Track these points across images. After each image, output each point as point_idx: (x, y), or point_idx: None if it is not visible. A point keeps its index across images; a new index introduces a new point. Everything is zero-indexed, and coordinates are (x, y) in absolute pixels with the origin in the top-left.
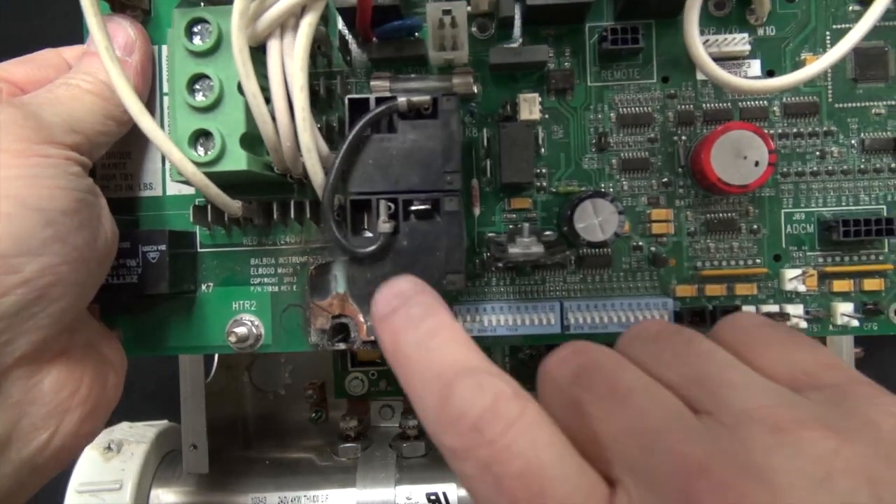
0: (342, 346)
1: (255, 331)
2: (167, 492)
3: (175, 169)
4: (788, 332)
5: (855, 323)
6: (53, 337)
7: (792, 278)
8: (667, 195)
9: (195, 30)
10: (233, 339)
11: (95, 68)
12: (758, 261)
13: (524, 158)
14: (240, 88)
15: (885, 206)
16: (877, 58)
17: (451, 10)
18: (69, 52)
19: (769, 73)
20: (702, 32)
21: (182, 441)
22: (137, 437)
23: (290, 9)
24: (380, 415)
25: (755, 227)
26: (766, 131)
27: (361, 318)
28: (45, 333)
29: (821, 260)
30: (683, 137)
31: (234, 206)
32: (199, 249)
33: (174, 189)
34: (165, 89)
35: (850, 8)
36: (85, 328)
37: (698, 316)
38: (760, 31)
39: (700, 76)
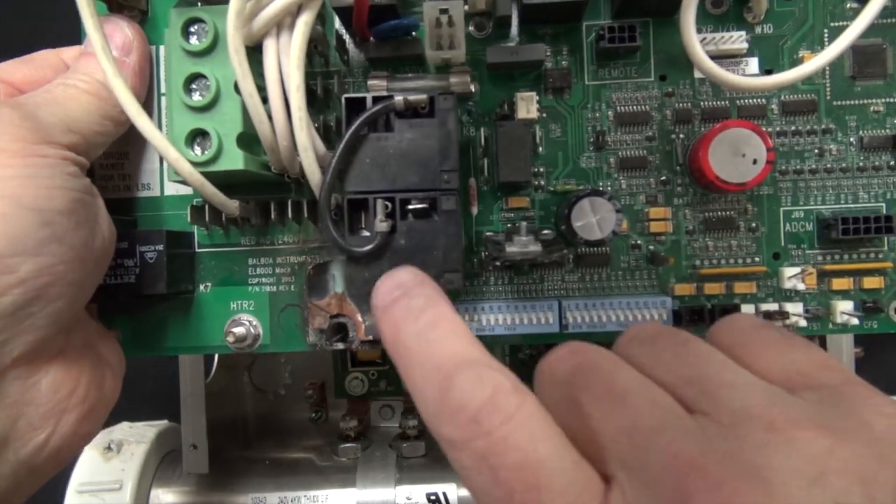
0: (340, 345)
1: (253, 331)
2: (167, 492)
3: (172, 169)
4: (784, 333)
5: (855, 321)
6: (51, 337)
7: (791, 276)
8: (665, 193)
9: (192, 29)
10: (231, 339)
11: (93, 68)
12: (756, 259)
13: (522, 157)
14: (236, 88)
15: (884, 204)
16: (875, 55)
17: (448, 9)
18: (67, 52)
19: (767, 71)
20: (699, 30)
21: (182, 441)
22: (137, 437)
23: (285, 8)
24: (380, 415)
25: (754, 225)
26: (764, 129)
27: (359, 318)
28: (42, 334)
29: (820, 258)
30: (681, 135)
31: (231, 205)
32: (196, 249)
33: (172, 189)
34: (163, 89)
35: (848, 5)
36: (83, 328)
37: (697, 315)
38: (758, 29)
39: (698, 74)
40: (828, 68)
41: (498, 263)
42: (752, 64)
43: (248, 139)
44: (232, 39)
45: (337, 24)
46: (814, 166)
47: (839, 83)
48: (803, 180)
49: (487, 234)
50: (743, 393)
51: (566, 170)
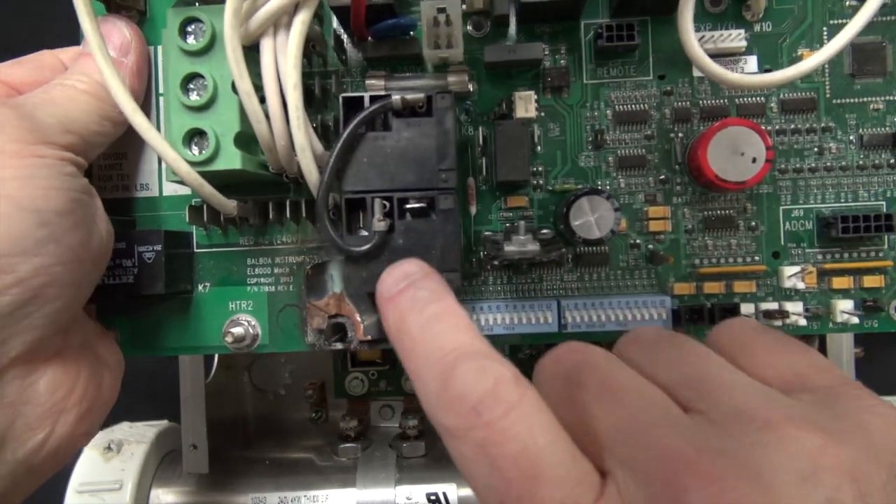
0: (339, 345)
1: (251, 331)
2: (167, 492)
3: (170, 169)
4: (781, 336)
5: (855, 320)
6: (48, 337)
7: (791, 275)
8: (664, 192)
9: (189, 29)
10: (229, 339)
11: (91, 69)
12: (756, 258)
13: (520, 156)
14: (234, 88)
15: (884, 203)
16: (874, 53)
17: (446, 8)
18: (65, 53)
19: (766, 70)
20: (698, 29)
21: (182, 441)
22: (137, 437)
23: (282, 7)
24: (380, 415)
25: (753, 224)
26: (763, 127)
27: (358, 318)
28: (39, 334)
29: (820, 257)
30: (680, 134)
31: (229, 205)
32: (195, 249)
33: (170, 189)
34: (161, 89)
35: (847, 3)
36: (81, 328)
37: (696, 314)
38: (757, 27)
39: (697, 73)
40: (827, 66)
41: (496, 263)
42: (751, 62)
43: (246, 139)
44: (229, 39)
45: (335, 23)
46: (813, 165)
47: (838, 81)
48: (803, 179)
49: (486, 233)
50: (738, 393)
51: (565, 169)
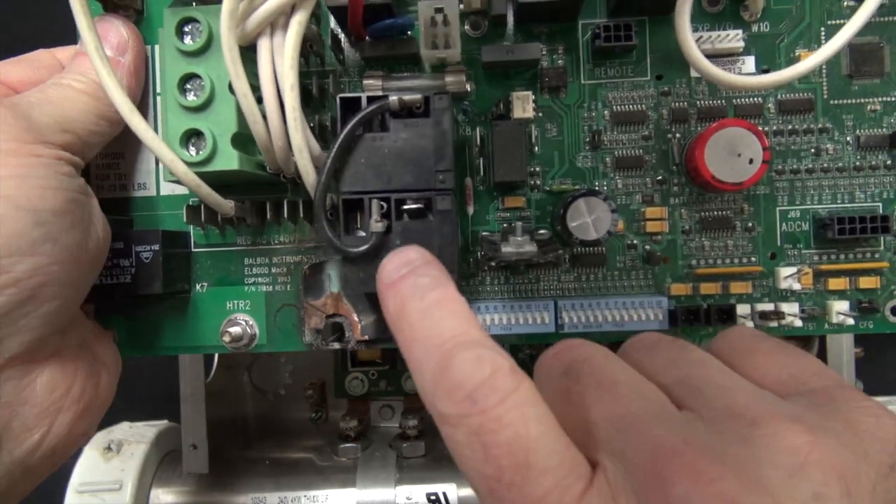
0: (336, 345)
1: (249, 330)
2: (167, 492)
3: (167, 169)
4: (779, 342)
5: (850, 321)
6: (45, 337)
7: (787, 276)
8: (661, 193)
9: (186, 29)
10: (227, 338)
11: (87, 68)
12: (753, 259)
13: (517, 157)
14: (231, 88)
15: (880, 204)
16: (872, 54)
17: (444, 7)
18: (63, 52)
19: (764, 70)
20: (695, 29)
21: (182, 441)
22: (137, 437)
23: (279, 8)
24: (380, 415)
25: (750, 224)
26: (760, 128)
27: (356, 318)
28: (36, 334)
29: (816, 258)
30: (678, 135)
31: (226, 205)
32: (192, 249)
33: (168, 189)
34: (159, 89)
35: (845, 3)
36: (78, 328)
37: (693, 315)
38: (754, 28)
39: (694, 73)
40: (824, 67)
41: (494, 263)
42: (749, 62)
43: (243, 139)
44: (226, 39)
45: (332, 23)
46: (810, 166)
47: (836, 82)
48: (800, 180)
49: (483, 233)
50: (731, 393)
51: (562, 169)
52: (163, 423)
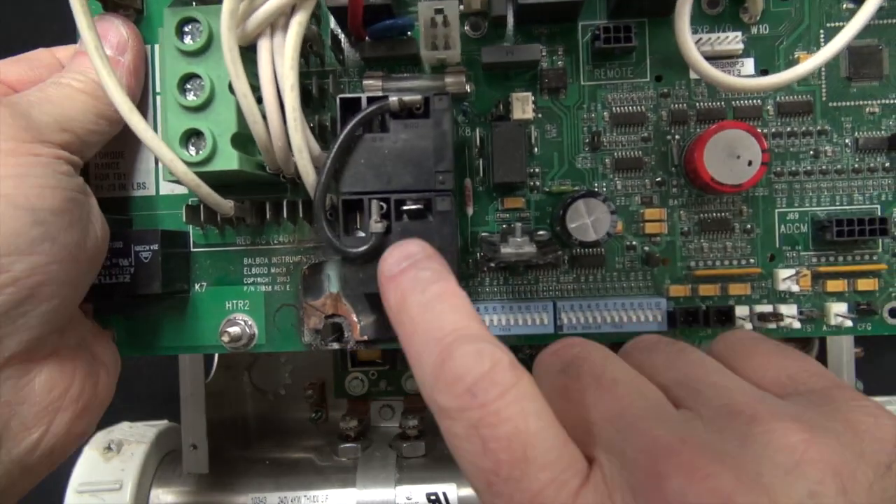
0: (335, 345)
1: (248, 330)
2: (167, 492)
3: (167, 169)
4: (778, 344)
5: (849, 323)
6: (44, 336)
7: (786, 278)
8: (660, 194)
9: (186, 29)
10: (226, 338)
11: (87, 67)
12: (751, 261)
13: (517, 158)
14: (231, 88)
15: (878, 206)
16: (870, 56)
17: (444, 8)
18: (62, 51)
19: (763, 72)
20: (695, 31)
21: (182, 441)
22: (137, 437)
23: (279, 8)
24: (380, 415)
25: (749, 226)
26: (759, 130)
27: (355, 318)
28: (35, 333)
29: (814, 260)
30: (677, 136)
31: (226, 205)
32: (192, 249)
33: (167, 189)
34: (159, 89)
35: (844, 6)
36: (77, 328)
37: (692, 316)
38: (754, 30)
39: (693, 75)
40: (823, 69)
41: (493, 264)
42: (748, 65)
43: (243, 139)
44: (226, 39)
45: (332, 23)
46: (809, 168)
47: (835, 84)
48: (798, 182)
49: (483, 234)
50: (729, 392)
51: (561, 170)
52: (163, 423)
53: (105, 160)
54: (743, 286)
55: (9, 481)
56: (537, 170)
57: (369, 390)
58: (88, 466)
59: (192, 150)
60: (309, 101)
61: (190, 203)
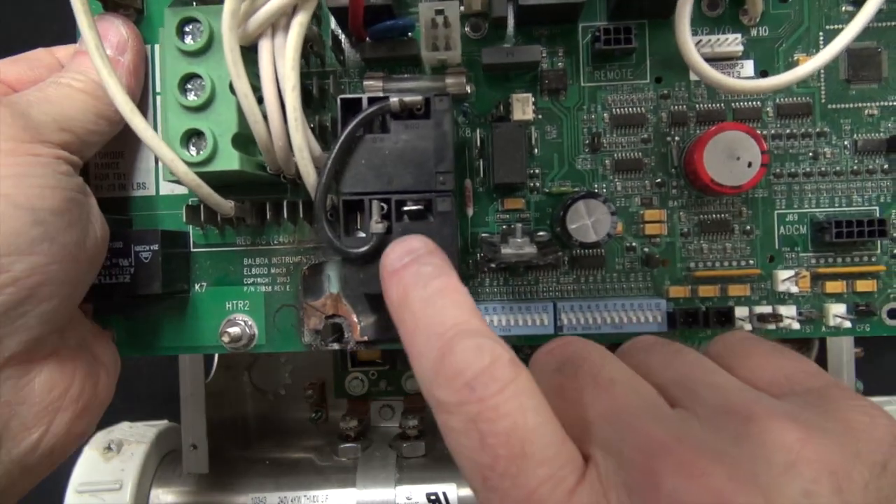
0: (336, 346)
1: (248, 331)
2: (167, 492)
3: (167, 169)
4: (775, 345)
5: (847, 324)
6: (44, 337)
7: (785, 279)
8: (660, 196)
9: (187, 29)
10: (226, 339)
11: (87, 67)
12: (751, 262)
13: (517, 159)
14: (232, 88)
15: (877, 208)
16: (869, 58)
17: (444, 9)
18: (62, 51)
19: (762, 74)
20: (695, 33)
21: (182, 441)
22: (137, 437)
23: (281, 8)
24: (380, 415)
25: (748, 227)
26: (759, 132)
27: (355, 319)
28: (35, 333)
29: (814, 261)
30: (677, 138)
31: (226, 205)
32: (192, 249)
33: (167, 189)
34: (159, 89)
35: (843, 8)
36: (76, 328)
37: (691, 317)
38: (753, 32)
39: (693, 76)
40: (822, 71)
41: (493, 265)
42: (748, 66)
43: (244, 140)
44: (227, 39)
45: (333, 24)
46: (808, 169)
47: (834, 86)
48: (797, 183)
49: (483, 235)
50: (725, 392)
51: (562, 171)
52: (163, 423)
53: (105, 160)
54: (742, 287)
55: (9, 481)
56: (537, 171)
57: (369, 390)
58: (88, 466)
59: (193, 151)
60: (309, 102)
61: (190, 203)
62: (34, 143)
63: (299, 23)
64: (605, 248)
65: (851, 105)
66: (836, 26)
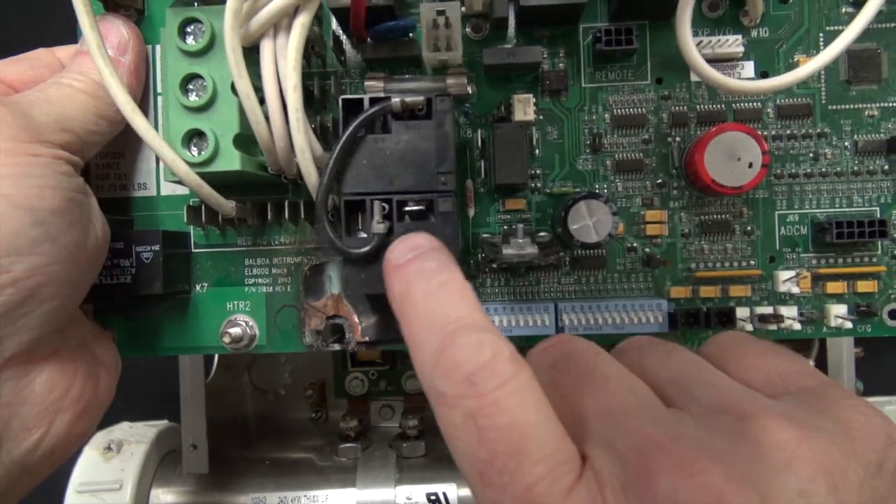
0: (336, 346)
1: (249, 331)
2: (167, 492)
3: (168, 169)
4: (770, 344)
5: (848, 325)
6: (44, 337)
7: (786, 280)
8: (661, 196)
9: (188, 30)
10: (227, 339)
11: (88, 67)
12: (752, 262)
13: (518, 159)
14: (233, 88)
15: (878, 208)
16: (870, 60)
17: (445, 10)
18: (63, 51)
19: (763, 75)
20: (695, 34)
21: (182, 441)
22: (137, 437)
23: (282, 9)
24: (380, 415)
25: (749, 228)
26: (759, 133)
27: (356, 319)
28: (35, 333)
29: (814, 262)
30: (678, 139)
31: (227, 206)
32: (193, 250)
33: (168, 189)
34: (160, 89)
35: (843, 10)
36: (77, 328)
37: (692, 317)
38: (754, 33)
39: (694, 77)
40: (823, 72)
41: (494, 265)
42: (748, 67)
43: (245, 140)
44: (229, 40)
45: (334, 24)
46: (809, 170)
47: (834, 87)
48: (798, 184)
49: (484, 235)
50: (720, 390)
51: (563, 172)
52: (163, 423)
53: (106, 160)
54: (743, 288)
55: (9, 482)
56: (538, 171)
57: (369, 390)
58: (88, 466)
59: (194, 151)
60: (311, 102)
61: (191, 203)
62: (34, 144)
63: (301, 23)
64: (607, 248)
65: (852, 106)
66: (836, 27)
